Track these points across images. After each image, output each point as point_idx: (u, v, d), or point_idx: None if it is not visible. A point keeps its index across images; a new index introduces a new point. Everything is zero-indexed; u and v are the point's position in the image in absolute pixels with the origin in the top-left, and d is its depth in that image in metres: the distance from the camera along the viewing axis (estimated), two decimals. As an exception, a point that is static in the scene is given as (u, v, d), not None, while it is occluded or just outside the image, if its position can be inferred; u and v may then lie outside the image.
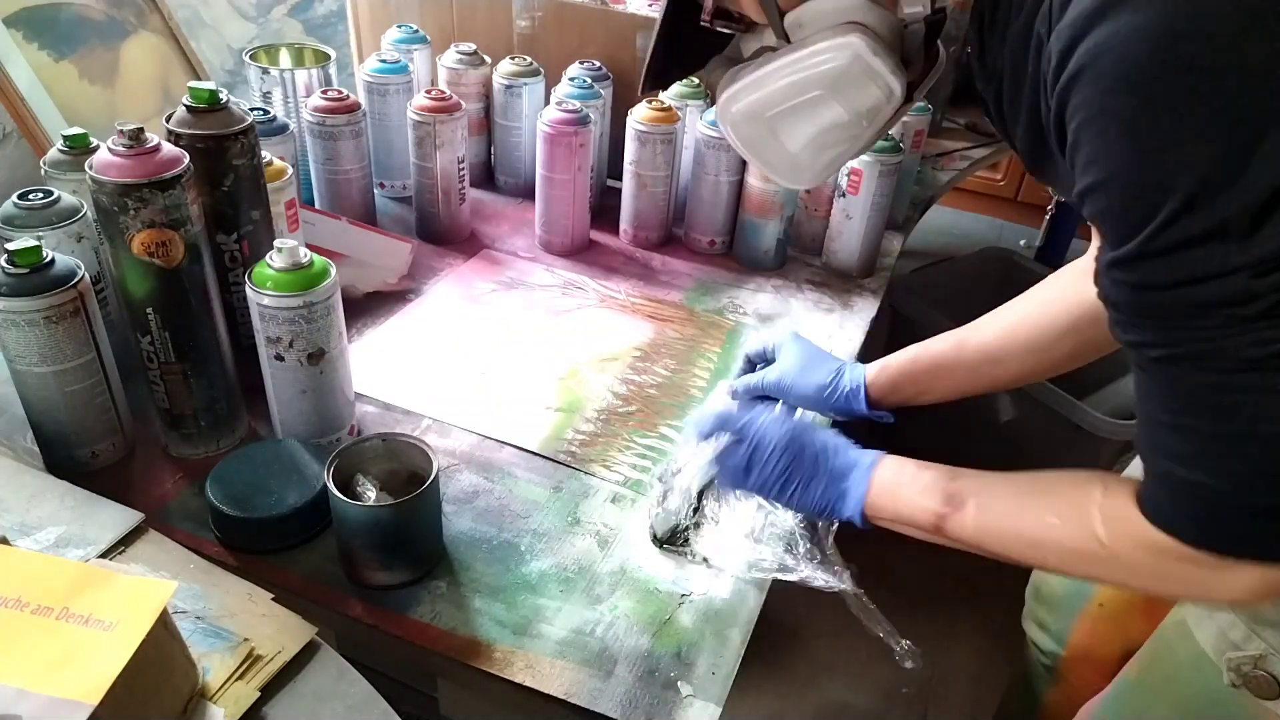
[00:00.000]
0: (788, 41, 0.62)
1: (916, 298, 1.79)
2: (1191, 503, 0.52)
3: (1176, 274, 0.47)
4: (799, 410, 0.89)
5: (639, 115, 1.17)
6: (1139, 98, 0.44)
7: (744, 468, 0.72)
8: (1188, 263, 0.46)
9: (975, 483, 0.65)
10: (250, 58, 1.21)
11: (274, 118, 1.05)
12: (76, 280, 0.71)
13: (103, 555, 0.62)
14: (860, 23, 0.59)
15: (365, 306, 1.07)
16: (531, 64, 1.28)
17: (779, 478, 0.71)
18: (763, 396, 0.90)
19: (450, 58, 1.29)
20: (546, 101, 1.23)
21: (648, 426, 0.92)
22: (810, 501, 0.71)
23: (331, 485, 0.68)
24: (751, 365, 0.93)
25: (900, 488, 0.68)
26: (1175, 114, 0.44)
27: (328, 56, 1.25)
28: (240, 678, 0.54)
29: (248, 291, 0.75)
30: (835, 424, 0.90)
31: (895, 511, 0.68)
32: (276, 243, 0.74)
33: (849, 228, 1.20)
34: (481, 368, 0.99)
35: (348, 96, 1.13)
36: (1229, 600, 0.57)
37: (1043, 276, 0.89)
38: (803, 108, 0.62)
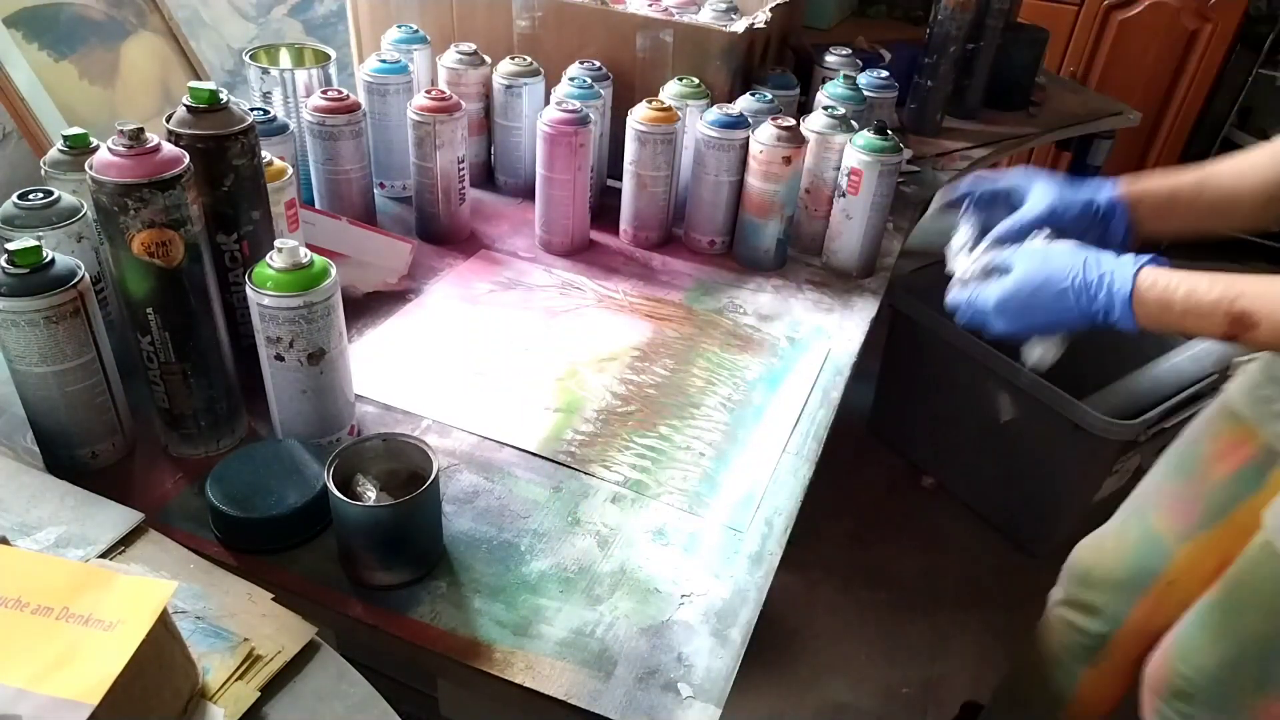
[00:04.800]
0: None
1: (916, 298, 1.80)
2: None
3: None
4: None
5: (639, 115, 1.17)
6: None
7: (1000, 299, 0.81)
8: None
9: (1264, 302, 0.70)
10: (250, 58, 1.21)
11: (274, 118, 1.05)
12: (76, 280, 0.71)
13: (103, 555, 0.62)
14: None
15: (365, 306, 1.07)
16: (531, 64, 1.28)
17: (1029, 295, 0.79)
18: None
19: (450, 58, 1.29)
20: (546, 101, 1.23)
21: (647, 426, 0.92)
22: (1070, 311, 0.78)
23: (331, 485, 0.68)
24: (984, 204, 0.95)
25: (1172, 310, 0.73)
26: None
27: (328, 56, 1.25)
28: (240, 678, 0.54)
29: (248, 291, 0.75)
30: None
31: (1176, 328, 0.75)
32: (276, 243, 0.74)
33: (849, 228, 1.20)
34: (480, 368, 0.99)
35: (348, 96, 1.13)
36: None
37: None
38: None
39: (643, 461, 0.88)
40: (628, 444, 0.90)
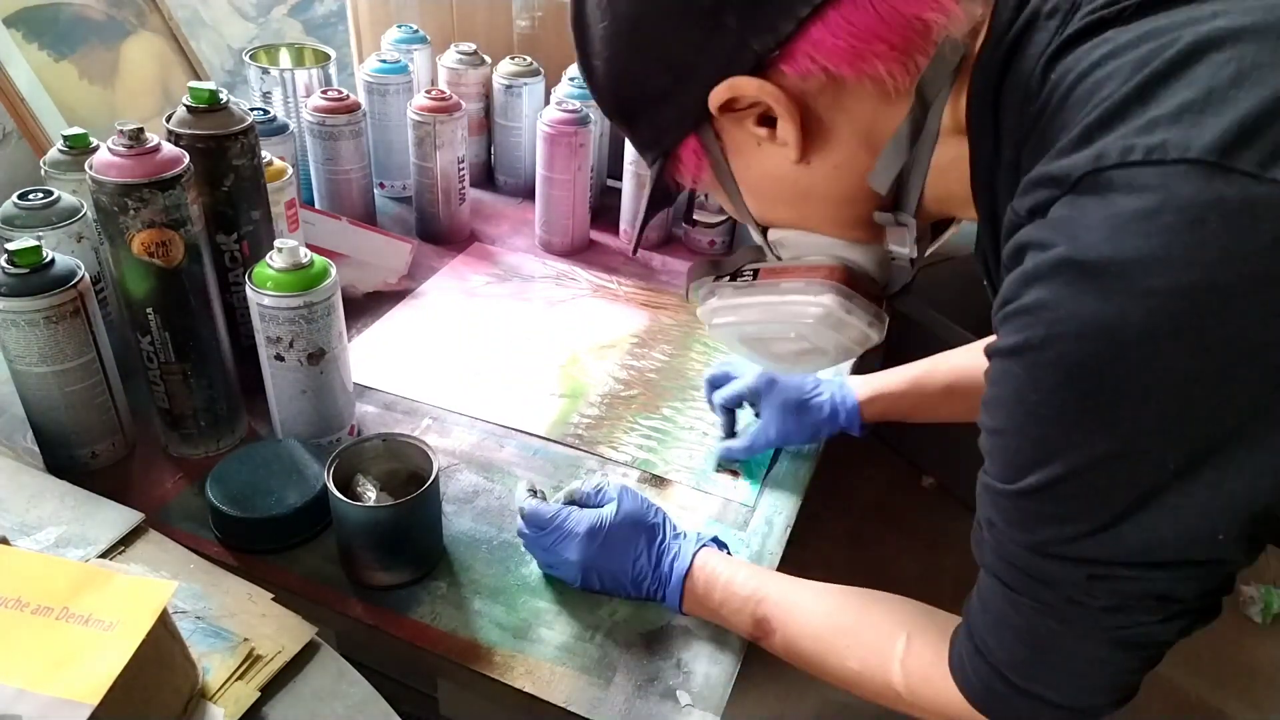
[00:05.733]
0: (774, 255, 0.63)
1: (916, 298, 1.79)
2: (985, 672, 0.52)
3: (1033, 535, 0.46)
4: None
5: (639, 115, 1.17)
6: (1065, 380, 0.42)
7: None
8: (1045, 522, 0.46)
9: (781, 611, 0.65)
10: (250, 58, 1.21)
11: (274, 118, 1.05)
12: (76, 280, 0.71)
13: (103, 555, 0.62)
14: (843, 261, 0.59)
15: (365, 306, 1.07)
16: (531, 64, 1.28)
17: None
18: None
19: (450, 58, 1.29)
20: (546, 101, 1.22)
21: (650, 409, 0.94)
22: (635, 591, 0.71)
23: (331, 485, 0.68)
24: (713, 388, 0.91)
25: (712, 596, 0.68)
26: (1085, 408, 0.42)
27: (328, 56, 1.25)
28: (240, 678, 0.54)
29: (248, 291, 0.75)
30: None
31: (715, 616, 0.69)
32: (276, 243, 0.74)
33: (849, 228, 1.20)
34: (483, 357, 1.00)
35: (348, 96, 1.13)
36: None
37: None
38: (778, 339, 0.63)
39: (649, 442, 0.89)
40: (633, 426, 0.91)
